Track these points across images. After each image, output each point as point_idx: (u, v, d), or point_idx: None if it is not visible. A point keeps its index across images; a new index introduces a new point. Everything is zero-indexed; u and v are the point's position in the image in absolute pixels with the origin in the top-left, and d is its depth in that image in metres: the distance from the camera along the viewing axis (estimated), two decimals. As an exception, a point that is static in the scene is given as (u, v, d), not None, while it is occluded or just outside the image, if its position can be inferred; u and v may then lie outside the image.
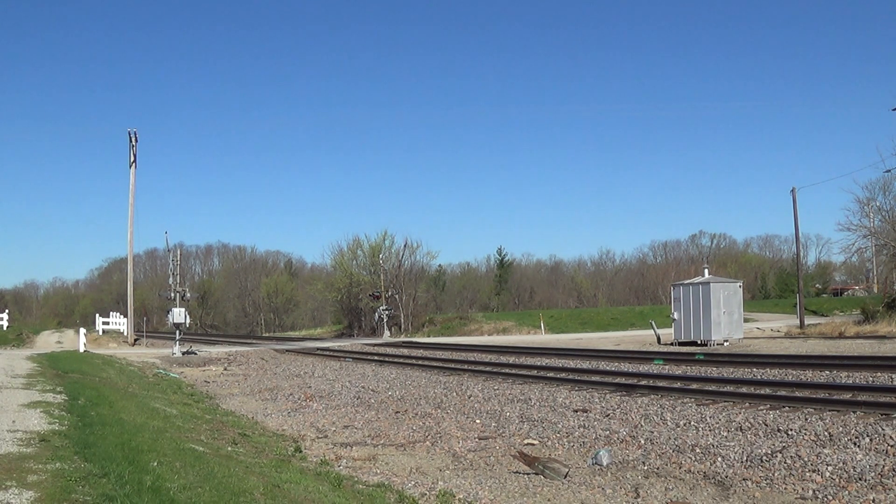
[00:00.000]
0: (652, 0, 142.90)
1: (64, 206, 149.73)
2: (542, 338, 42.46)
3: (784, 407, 11.99)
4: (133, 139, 38.95)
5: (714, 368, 19.05)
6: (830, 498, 7.24)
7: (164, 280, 41.06)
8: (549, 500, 7.68)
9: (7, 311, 52.30)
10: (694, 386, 15.40)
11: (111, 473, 6.22)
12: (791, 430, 10.14)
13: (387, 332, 50.84)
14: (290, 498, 6.57)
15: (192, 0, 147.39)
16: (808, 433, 9.87)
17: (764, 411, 11.76)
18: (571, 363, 22.61)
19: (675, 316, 28.90)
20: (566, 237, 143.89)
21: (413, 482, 8.42)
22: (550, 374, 19.24)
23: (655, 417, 11.92)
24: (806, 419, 10.80)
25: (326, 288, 68.25)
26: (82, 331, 32.95)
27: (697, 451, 9.38)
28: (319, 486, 7.53)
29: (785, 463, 8.46)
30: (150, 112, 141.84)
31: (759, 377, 16.80)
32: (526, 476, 8.54)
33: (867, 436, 9.34)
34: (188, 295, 32.59)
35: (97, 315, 54.66)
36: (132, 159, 38.90)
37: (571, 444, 10.49)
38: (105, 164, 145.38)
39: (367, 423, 13.08)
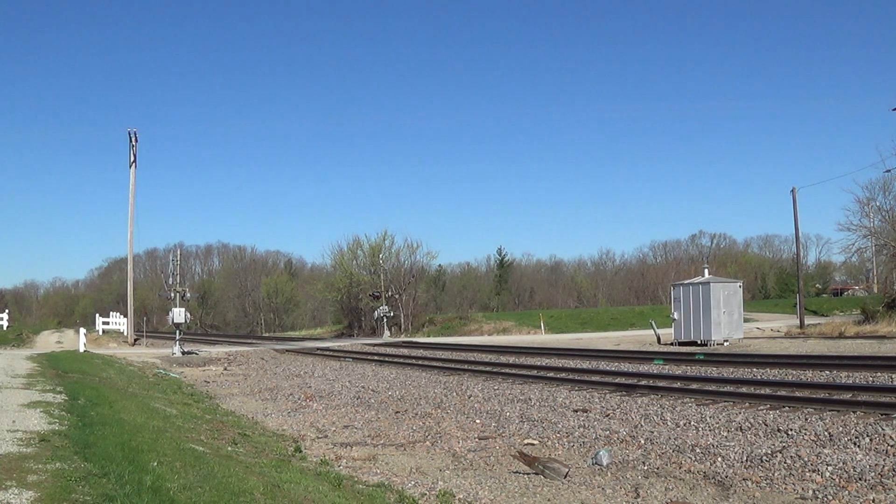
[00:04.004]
0: (652, 0, 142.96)
1: (64, 206, 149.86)
2: (542, 338, 42.45)
3: (784, 407, 12.00)
4: (133, 139, 38.95)
5: (714, 368, 19.04)
6: (830, 498, 7.24)
7: (164, 280, 41.07)
8: (549, 500, 7.68)
9: (7, 311, 52.29)
10: (694, 386, 15.40)
11: (111, 473, 6.22)
12: (791, 430, 10.14)
13: (387, 332, 50.83)
14: (290, 498, 6.56)
15: (191, 0, 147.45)
16: (808, 433, 9.88)
17: (764, 411, 11.77)
18: (571, 363, 22.61)
19: (675, 316, 28.89)
20: (566, 237, 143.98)
21: (413, 482, 8.42)
22: (550, 374, 19.24)
23: (655, 417, 11.93)
24: (806, 419, 10.80)
25: (326, 288, 68.22)
26: (82, 331, 32.94)
27: (697, 451, 9.38)
28: (319, 486, 7.53)
29: (785, 463, 8.47)
30: (151, 112, 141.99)
31: (759, 377, 16.80)
32: (526, 476, 8.54)
33: (867, 436, 9.35)
34: (188, 295, 32.57)
35: (97, 315, 54.63)
36: (132, 159, 38.89)
37: (571, 444, 10.49)
38: (105, 164, 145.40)
39: (367, 423, 13.08)
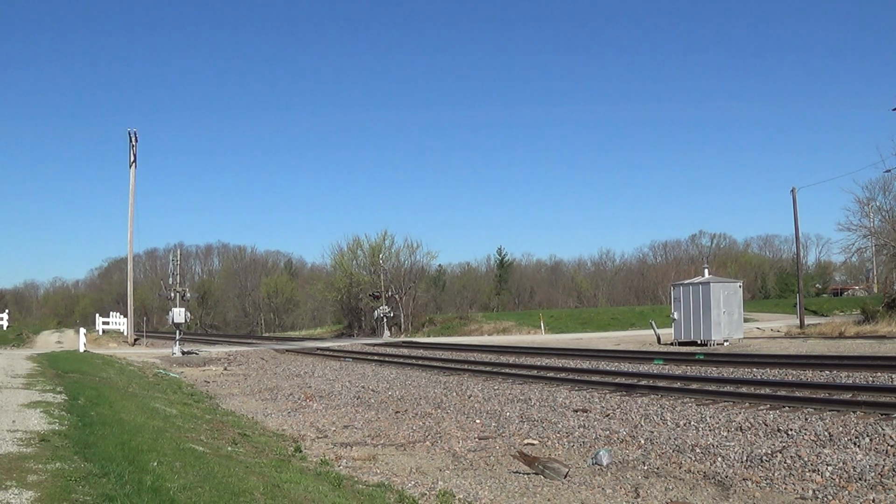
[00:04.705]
0: (652, 0, 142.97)
1: (64, 206, 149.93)
2: (542, 338, 42.45)
3: (784, 407, 12.00)
4: (133, 139, 38.93)
5: (714, 368, 19.05)
6: (830, 498, 7.24)
7: (164, 280, 41.07)
8: (549, 500, 7.68)
9: (7, 311, 52.27)
10: (694, 386, 15.40)
11: (111, 473, 6.22)
12: (791, 430, 10.14)
13: (387, 332, 50.82)
14: (290, 498, 6.56)
15: (191, 0, 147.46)
16: (808, 433, 9.88)
17: (764, 411, 11.77)
18: (571, 363, 22.61)
19: (675, 316, 28.89)
20: (566, 237, 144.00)
21: (413, 482, 8.42)
22: (550, 374, 19.24)
23: (655, 417, 11.93)
24: (806, 419, 10.80)
25: (326, 288, 68.25)
26: (82, 331, 32.92)
27: (697, 451, 9.38)
28: (319, 486, 7.53)
29: (785, 463, 8.47)
30: (150, 112, 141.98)
31: (759, 377, 16.80)
32: (526, 476, 8.54)
33: (867, 436, 9.34)
34: (188, 295, 32.57)
35: (97, 315, 54.62)
36: (132, 159, 38.88)
37: (571, 444, 10.49)
38: (105, 164, 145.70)
39: (367, 422, 13.08)
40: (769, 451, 8.95)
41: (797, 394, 13.28)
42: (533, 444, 10.53)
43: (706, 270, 31.71)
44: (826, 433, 9.75)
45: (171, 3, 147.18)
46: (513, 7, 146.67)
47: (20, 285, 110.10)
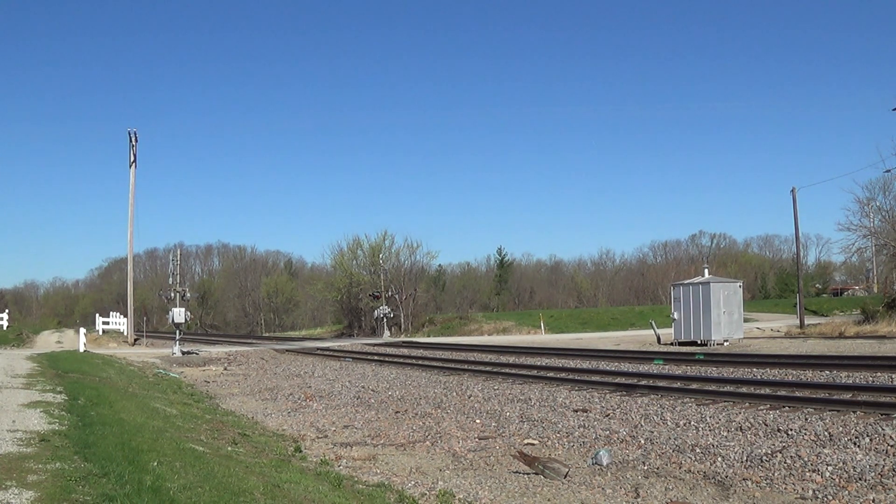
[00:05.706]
0: (652, 0, 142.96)
1: (64, 206, 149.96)
2: (542, 338, 42.45)
3: (784, 407, 12.00)
4: (133, 139, 38.90)
5: (714, 368, 19.05)
6: (830, 498, 7.24)
7: (164, 280, 41.06)
8: (549, 500, 7.68)
9: (7, 311, 52.26)
10: (694, 386, 15.40)
11: (111, 473, 6.22)
12: (791, 430, 10.14)
13: (387, 332, 50.81)
14: (290, 498, 6.57)
15: (191, 1, 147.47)
16: (808, 433, 9.88)
17: (764, 411, 11.77)
18: (571, 363, 22.61)
19: (675, 316, 28.89)
20: (566, 237, 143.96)
21: (413, 482, 8.42)
22: (550, 374, 19.24)
23: (655, 417, 11.93)
24: (806, 419, 10.80)
25: (326, 288, 68.26)
26: (82, 331, 32.90)
27: (697, 450, 9.38)
28: (319, 486, 7.53)
29: (785, 463, 8.47)
30: (150, 112, 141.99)
31: (759, 377, 16.80)
32: (526, 476, 8.54)
33: (867, 436, 9.35)
34: (188, 295, 32.57)
35: (97, 315, 54.60)
36: (132, 159, 38.86)
37: (571, 444, 10.49)
38: (105, 164, 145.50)
39: (367, 422, 13.08)
40: (769, 451, 8.95)
41: (797, 394, 13.29)
42: (533, 444, 10.53)
43: (706, 270, 31.72)
44: (826, 433, 9.75)
45: (171, 3, 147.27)
46: (512, 9, 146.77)
47: (20, 285, 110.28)
